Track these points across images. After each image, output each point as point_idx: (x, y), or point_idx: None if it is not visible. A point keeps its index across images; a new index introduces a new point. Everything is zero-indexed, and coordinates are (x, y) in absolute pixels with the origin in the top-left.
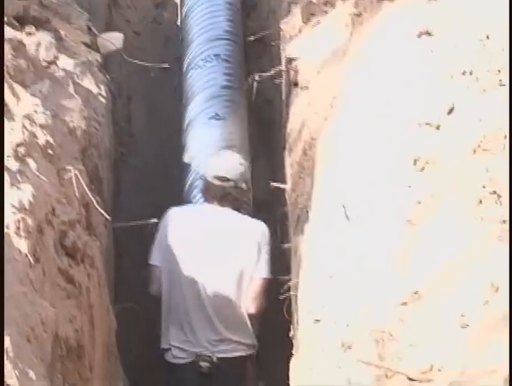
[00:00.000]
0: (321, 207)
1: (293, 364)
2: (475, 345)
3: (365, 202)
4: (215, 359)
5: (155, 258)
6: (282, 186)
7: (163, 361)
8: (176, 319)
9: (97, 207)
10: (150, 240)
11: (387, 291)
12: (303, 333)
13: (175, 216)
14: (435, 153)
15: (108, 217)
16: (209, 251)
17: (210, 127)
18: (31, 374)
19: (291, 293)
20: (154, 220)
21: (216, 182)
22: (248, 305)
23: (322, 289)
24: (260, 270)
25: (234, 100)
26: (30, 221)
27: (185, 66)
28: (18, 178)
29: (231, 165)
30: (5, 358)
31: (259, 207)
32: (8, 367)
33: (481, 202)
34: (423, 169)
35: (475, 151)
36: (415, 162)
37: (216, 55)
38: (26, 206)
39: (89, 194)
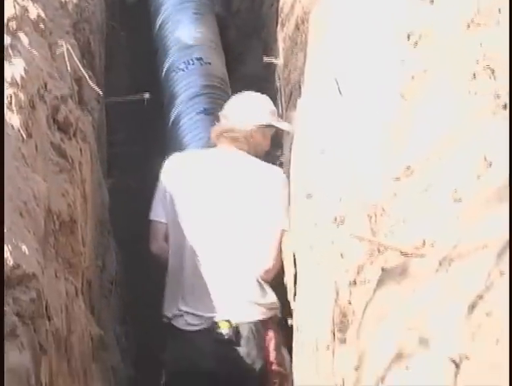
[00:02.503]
0: (314, 82)
1: (285, 239)
2: (467, 220)
3: (358, 77)
4: (234, 323)
5: (158, 213)
6: (274, 61)
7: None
8: (186, 282)
9: (89, 81)
10: (143, 116)
11: (380, 166)
12: (296, 208)
13: (176, 164)
14: (429, 27)
15: (100, 92)
16: (221, 202)
17: (201, 120)
18: (24, 248)
19: (284, 168)
20: (147, 95)
21: (225, 121)
22: (264, 260)
23: (314, 164)
24: (277, 221)
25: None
26: (22, 96)
27: (164, 71)
28: (10, 52)
29: (244, 104)
30: None
31: (251, 83)
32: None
33: (474, 76)
34: (416, 43)
35: (469, 26)
36: (409, 36)
37: (198, 59)
38: (18, 80)
39: (81, 68)
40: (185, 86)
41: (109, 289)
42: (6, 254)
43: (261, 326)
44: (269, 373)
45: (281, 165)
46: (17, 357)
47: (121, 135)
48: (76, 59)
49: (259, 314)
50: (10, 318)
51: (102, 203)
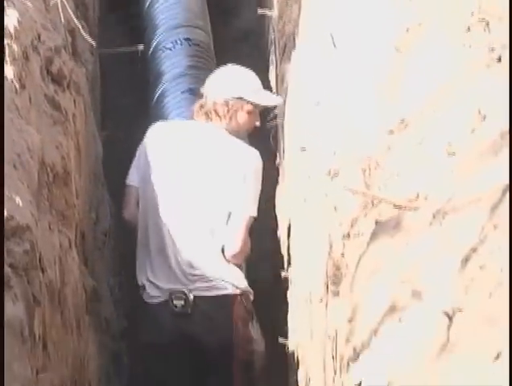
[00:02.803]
0: (308, 35)
1: (279, 192)
2: (461, 173)
3: (352, 29)
4: (191, 296)
5: (132, 178)
6: (268, 13)
7: None
8: (151, 250)
9: (83, 32)
10: (136, 68)
11: (374, 119)
12: (290, 161)
13: (157, 132)
14: None
15: (93, 43)
16: (192, 175)
17: (185, 99)
18: (18, 200)
19: (278, 120)
20: (141, 46)
21: (205, 94)
22: (230, 245)
23: (308, 117)
24: (246, 207)
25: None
26: (15, 47)
27: (151, 50)
28: (4, 4)
29: (224, 78)
30: None
31: (245, 36)
32: None
33: (469, 29)
34: None
35: None
36: None
37: (186, 39)
38: (12, 32)
39: (75, 20)
40: (171, 65)
41: (103, 241)
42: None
43: (226, 302)
44: (233, 351)
45: (275, 117)
46: (11, 308)
47: (115, 87)
48: (69, 10)
49: (222, 289)
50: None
51: (96, 155)
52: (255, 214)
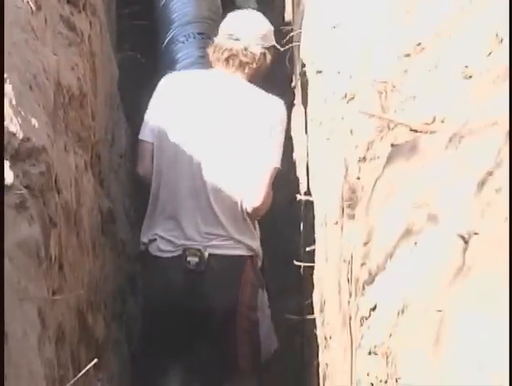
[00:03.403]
0: None
1: (294, 114)
2: (478, 97)
3: None
4: (206, 254)
5: (146, 133)
6: None
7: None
8: (166, 206)
9: None
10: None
11: (391, 42)
12: (305, 85)
13: (171, 82)
14: None
15: None
16: (212, 128)
17: None
18: (34, 121)
19: (294, 43)
20: None
21: (225, 42)
22: (252, 197)
23: (325, 40)
24: (271, 158)
25: None
26: None
27: (165, 43)
28: None
29: (248, 23)
30: (6, 105)
31: None
32: (10, 114)
33: None
34: None
35: None
36: None
37: (200, 33)
38: None
39: None
40: (183, 56)
41: (118, 163)
42: (16, 127)
43: (235, 262)
44: (238, 313)
45: (291, 40)
46: (27, 229)
47: (131, 8)
48: None
49: (236, 249)
50: (19, 192)
51: (112, 77)
52: (279, 165)
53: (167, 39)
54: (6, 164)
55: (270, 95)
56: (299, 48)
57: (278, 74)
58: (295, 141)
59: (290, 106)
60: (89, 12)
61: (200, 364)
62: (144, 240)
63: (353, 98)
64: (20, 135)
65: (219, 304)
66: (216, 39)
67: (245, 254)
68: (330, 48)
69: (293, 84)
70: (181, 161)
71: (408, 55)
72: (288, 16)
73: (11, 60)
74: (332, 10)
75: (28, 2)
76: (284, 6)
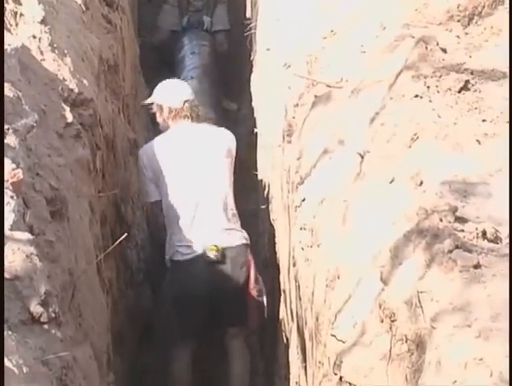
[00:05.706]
0: None
1: (252, 79)
2: (370, 64)
3: None
4: (220, 247)
5: (151, 194)
6: None
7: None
8: (181, 224)
9: None
10: None
11: (314, 29)
12: (259, 59)
13: (151, 148)
14: None
15: None
16: (194, 158)
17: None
18: (85, 81)
19: (252, 30)
20: None
21: (186, 105)
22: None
23: (272, 28)
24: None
25: None
26: None
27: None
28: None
29: (187, 89)
30: (67, 71)
31: None
32: (70, 77)
33: None
34: None
35: None
36: None
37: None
38: None
39: None
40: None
41: (140, 108)
42: (74, 85)
43: (242, 250)
44: (249, 287)
45: (250, 29)
46: (81, 151)
47: (147, 10)
48: None
49: (239, 239)
50: (76, 127)
51: (135, 53)
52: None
53: (181, 54)
54: (67, 109)
55: (222, 128)
56: (255, 34)
57: (242, 52)
58: (253, 96)
59: (249, 71)
60: (120, 11)
61: (221, 325)
62: (167, 256)
63: (290, 66)
64: (76, 90)
65: (236, 282)
66: (174, 105)
67: (246, 242)
68: (275, 33)
69: (251, 58)
70: (184, 187)
71: (325, 38)
72: (248, 13)
73: (70, 42)
74: (277, 8)
75: (80, 5)
76: (245, 6)
